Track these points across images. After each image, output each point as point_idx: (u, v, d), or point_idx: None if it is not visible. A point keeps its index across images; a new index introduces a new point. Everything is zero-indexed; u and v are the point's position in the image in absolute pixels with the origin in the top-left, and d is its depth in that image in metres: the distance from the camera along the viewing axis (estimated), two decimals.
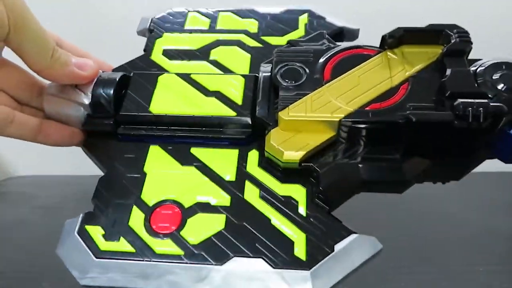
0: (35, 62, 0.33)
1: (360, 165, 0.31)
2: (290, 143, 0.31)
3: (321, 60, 0.35)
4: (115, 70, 0.39)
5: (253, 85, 0.36)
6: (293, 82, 0.33)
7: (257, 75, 0.36)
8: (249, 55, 0.40)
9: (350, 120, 0.31)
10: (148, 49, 0.41)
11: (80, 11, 0.73)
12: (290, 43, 0.38)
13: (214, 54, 0.40)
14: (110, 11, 0.77)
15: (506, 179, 0.64)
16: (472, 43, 0.32)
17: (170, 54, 0.40)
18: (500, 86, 0.30)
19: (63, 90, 0.36)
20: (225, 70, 0.39)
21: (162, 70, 0.39)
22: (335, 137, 0.31)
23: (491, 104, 0.29)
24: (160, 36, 0.42)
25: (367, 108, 0.31)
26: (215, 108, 0.35)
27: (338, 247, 0.29)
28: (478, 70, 0.31)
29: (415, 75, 0.33)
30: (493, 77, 0.31)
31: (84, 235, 0.30)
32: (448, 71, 0.31)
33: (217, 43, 0.41)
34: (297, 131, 0.32)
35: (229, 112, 0.34)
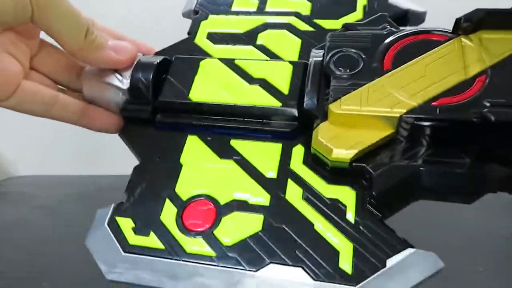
0: (68, 42, 0.32)
1: (421, 168, 0.27)
2: (340, 140, 0.27)
3: (381, 46, 0.30)
4: (157, 53, 0.38)
5: (301, 73, 0.32)
6: (348, 70, 0.30)
7: (306, 62, 0.33)
8: (299, 40, 0.36)
9: (413, 116, 0.26)
10: (192, 32, 0.39)
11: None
12: (346, 27, 0.34)
13: (261, 39, 0.37)
14: (109, 11, 0.77)
15: None
16: None
17: (214, 38, 0.38)
18: None
19: (102, 73, 0.34)
20: (272, 56, 0.35)
21: (206, 55, 0.36)
22: (393, 135, 0.27)
23: None
24: (205, 18, 0.40)
25: (434, 103, 0.27)
26: (258, 97, 0.32)
27: (390, 262, 0.25)
28: None
29: (495, 66, 0.28)
30: None
31: (114, 226, 0.29)
32: None
33: (265, 26, 0.38)
34: (349, 126, 0.28)
35: (273, 102, 0.31)
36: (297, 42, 0.36)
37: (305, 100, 0.30)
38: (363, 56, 0.30)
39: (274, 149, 0.31)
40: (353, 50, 0.30)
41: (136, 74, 0.33)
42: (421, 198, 0.28)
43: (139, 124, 0.34)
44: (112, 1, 0.76)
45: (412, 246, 0.25)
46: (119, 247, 0.28)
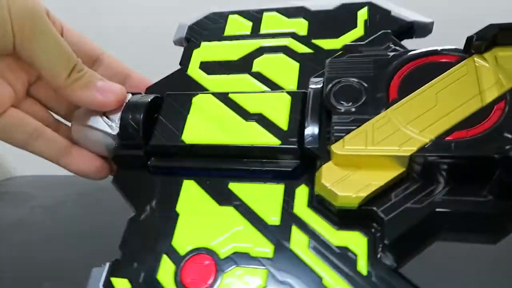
0: (51, 77, 0.30)
1: (438, 210, 0.24)
2: (346, 183, 0.25)
3: (385, 73, 0.27)
4: (149, 88, 0.36)
5: (300, 105, 0.30)
6: (350, 103, 0.27)
7: (305, 91, 0.30)
8: (297, 64, 0.33)
9: (425, 155, 0.24)
10: (185, 62, 0.36)
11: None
12: (346, 48, 0.31)
13: (257, 65, 0.34)
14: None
15: None
16: None
17: (208, 67, 0.35)
18: None
19: (91, 117, 0.33)
20: (269, 84, 0.33)
21: (199, 86, 0.34)
22: (404, 174, 0.25)
23: None
24: (198, 46, 0.37)
25: (448, 138, 0.24)
26: (256, 136, 0.29)
27: None
28: None
29: None
30: None
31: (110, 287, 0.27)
32: None
33: (261, 51, 0.35)
34: (355, 167, 0.25)
35: (272, 140, 0.29)
36: (295, 66, 0.34)
37: (305, 138, 0.28)
38: (366, 86, 0.27)
39: (276, 191, 0.28)
40: (355, 79, 0.28)
41: (125, 117, 0.32)
42: (439, 240, 0.25)
43: (131, 170, 0.32)
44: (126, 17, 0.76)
45: None
46: None
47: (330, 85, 0.28)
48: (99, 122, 0.32)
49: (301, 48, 0.35)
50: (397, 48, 0.30)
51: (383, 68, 0.28)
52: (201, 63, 0.36)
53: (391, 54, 0.29)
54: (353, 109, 0.27)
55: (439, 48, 0.28)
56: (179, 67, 0.37)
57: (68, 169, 0.34)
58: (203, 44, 0.37)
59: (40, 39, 0.29)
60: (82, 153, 0.34)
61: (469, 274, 0.50)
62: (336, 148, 0.25)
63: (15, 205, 0.69)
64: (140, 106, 0.32)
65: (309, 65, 0.33)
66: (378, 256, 0.24)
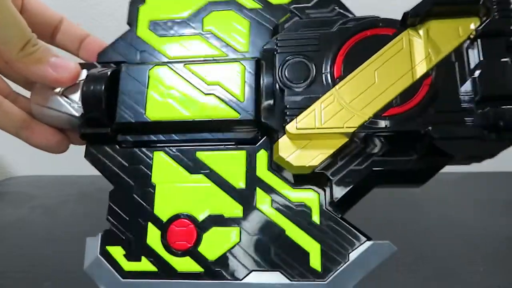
0: (2, 49, 0.30)
1: (374, 169, 0.29)
2: (300, 155, 0.29)
3: (330, 50, 0.30)
4: (101, 54, 0.36)
5: (255, 73, 0.32)
6: (301, 82, 0.30)
7: (258, 58, 0.32)
8: (247, 22, 0.35)
9: (364, 131, 0.28)
10: (133, 22, 0.36)
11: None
12: (294, 12, 0.33)
13: (208, 23, 0.35)
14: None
15: (503, 178, 0.63)
16: (510, 18, 0.27)
17: (157, 28, 0.35)
18: None
19: (50, 97, 0.33)
20: (222, 46, 0.34)
21: (152, 50, 0.35)
22: (349, 142, 0.29)
23: None
24: (143, 1, 0.36)
25: (385, 114, 0.28)
26: (215, 110, 0.32)
27: (353, 255, 0.29)
28: None
29: (440, 64, 0.28)
30: None
31: (107, 256, 0.31)
32: (480, 63, 0.27)
33: (209, 8, 0.35)
34: (308, 139, 0.29)
35: (230, 113, 0.32)
36: (245, 24, 0.35)
37: (261, 114, 0.31)
38: (314, 63, 0.30)
39: (239, 157, 0.32)
40: (304, 57, 0.30)
41: (87, 95, 0.33)
42: (374, 188, 0.31)
43: (101, 144, 0.34)
44: None
45: (369, 239, 0.29)
46: (117, 275, 0.31)
47: (280, 64, 0.31)
48: (60, 104, 0.33)
49: (250, 3, 0.35)
50: (341, 11, 0.33)
51: (328, 44, 0.30)
52: (150, 22, 0.36)
53: (336, 27, 0.31)
54: (303, 88, 0.30)
55: (378, 18, 0.30)
56: None
57: (28, 143, 0.34)
58: (150, 0, 0.37)
59: None
60: (43, 128, 0.34)
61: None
62: (289, 128, 0.29)
63: (15, 205, 0.69)
64: (100, 81, 0.33)
65: (259, 22, 0.34)
66: (328, 208, 0.30)
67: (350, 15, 0.32)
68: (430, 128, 0.27)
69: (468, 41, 0.28)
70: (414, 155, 0.29)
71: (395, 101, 0.28)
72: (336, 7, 0.33)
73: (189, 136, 0.33)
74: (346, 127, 0.28)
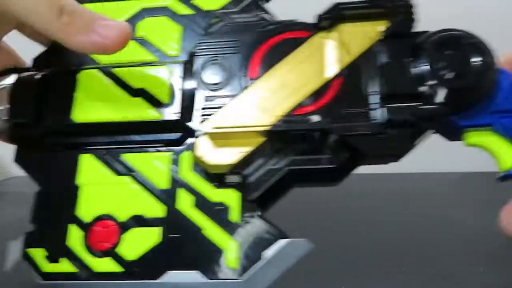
0: (41, 23, 0.28)
1: (291, 168, 0.30)
2: (217, 154, 0.30)
3: (247, 53, 0.31)
4: (35, 59, 0.36)
5: (180, 77, 0.33)
6: (217, 83, 0.31)
7: (184, 63, 0.33)
8: (180, 27, 0.35)
9: (275, 130, 0.29)
10: None
11: None
12: (220, 16, 0.34)
13: (141, 29, 0.36)
14: None
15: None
16: (413, 21, 0.29)
17: None
18: (446, 75, 0.28)
19: None
20: (154, 50, 0.35)
21: (85, 56, 0.35)
22: (266, 141, 0.30)
23: (424, 108, 0.27)
24: None
25: (295, 113, 0.29)
26: (141, 111, 0.33)
27: (269, 254, 0.29)
28: (420, 58, 0.29)
29: (351, 65, 0.30)
30: (437, 63, 0.28)
31: (28, 258, 0.31)
32: (385, 63, 0.29)
33: (143, 14, 0.36)
34: (225, 139, 0.30)
35: (155, 115, 0.32)
36: (178, 29, 0.35)
37: (182, 114, 0.32)
38: (232, 65, 0.31)
39: (165, 158, 0.33)
40: (221, 59, 0.32)
41: (15, 100, 0.33)
42: (293, 188, 0.32)
43: (29, 147, 0.34)
44: None
45: (286, 236, 0.30)
46: (38, 276, 0.31)
47: (198, 64, 0.32)
48: None
49: (183, 10, 0.36)
50: (264, 16, 0.34)
51: (246, 46, 0.32)
52: None
53: (257, 30, 0.32)
54: (220, 89, 0.31)
55: (294, 21, 0.32)
56: None
57: None
58: (84, 5, 0.36)
59: None
60: None
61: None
62: (204, 127, 0.30)
63: (15, 205, 0.67)
64: (28, 85, 0.33)
65: (191, 27, 0.35)
66: (246, 207, 0.30)
67: (271, 20, 0.34)
68: (333, 125, 0.28)
69: (377, 43, 0.30)
70: (329, 154, 0.30)
71: (306, 100, 0.29)
72: (260, 13, 0.34)
73: (116, 138, 0.33)
74: (259, 126, 0.29)
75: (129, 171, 0.33)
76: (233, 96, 0.31)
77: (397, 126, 0.28)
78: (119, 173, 0.33)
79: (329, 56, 0.30)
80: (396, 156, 0.29)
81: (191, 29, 0.35)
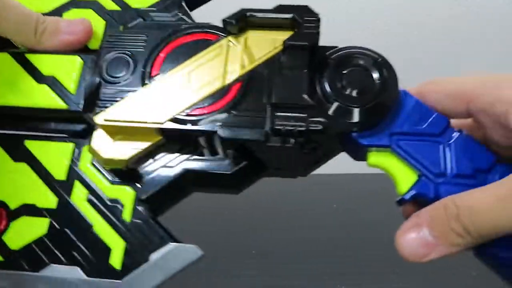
0: (21, 42, 0.32)
1: (188, 169, 0.29)
2: (112, 148, 0.29)
3: (153, 49, 0.31)
4: None
5: (89, 68, 0.32)
6: (118, 76, 0.30)
7: (94, 57, 0.32)
8: (104, 22, 0.35)
9: (167, 128, 0.28)
10: None
11: None
12: (140, 15, 0.34)
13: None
14: None
15: None
16: (318, 34, 0.29)
17: None
18: (346, 90, 0.28)
19: None
20: None
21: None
22: (162, 141, 0.29)
23: (311, 120, 0.26)
24: None
25: (189, 114, 0.28)
26: (45, 99, 0.32)
27: (153, 256, 0.28)
28: (320, 72, 0.28)
29: (251, 72, 0.29)
30: (339, 79, 0.28)
31: None
32: (282, 73, 0.28)
33: (70, 6, 0.36)
34: (120, 134, 0.29)
35: (59, 104, 0.31)
36: (101, 23, 0.35)
37: (84, 105, 0.31)
38: (136, 60, 0.30)
39: (66, 149, 0.32)
40: (128, 53, 0.31)
41: None
42: (192, 192, 0.31)
43: None
44: None
45: (176, 241, 0.28)
46: None
47: (103, 57, 0.31)
48: None
49: (111, 5, 0.36)
50: (184, 17, 0.33)
51: (153, 43, 0.31)
52: None
53: (168, 29, 0.32)
54: (119, 82, 0.30)
55: (205, 24, 0.31)
56: None
57: None
58: None
59: (5, 9, 0.30)
60: None
61: None
62: (98, 118, 0.29)
63: None
64: None
65: (114, 23, 0.35)
66: (140, 207, 0.29)
67: (189, 21, 0.33)
68: (220, 129, 0.27)
69: (280, 53, 0.29)
70: (227, 159, 0.29)
71: (203, 102, 0.29)
72: (179, 13, 0.34)
73: (21, 124, 0.32)
74: (152, 123, 0.28)
75: (28, 159, 0.32)
76: (131, 90, 0.30)
77: (282, 135, 0.27)
78: (17, 159, 0.32)
79: (232, 60, 0.30)
80: (295, 170, 0.29)
81: (114, 25, 0.34)
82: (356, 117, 0.27)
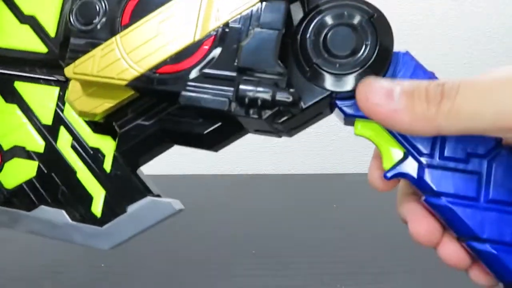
0: None
1: (162, 127, 0.28)
2: (85, 100, 0.28)
3: None
4: None
5: (70, 11, 0.29)
6: (87, 25, 0.28)
7: None
8: None
9: (134, 85, 0.27)
10: None
11: None
12: None
13: None
14: None
15: None
16: None
17: None
18: (325, 51, 0.24)
19: None
20: None
21: None
22: (135, 95, 0.28)
23: (278, 94, 0.24)
24: None
25: (158, 71, 0.26)
26: (26, 40, 0.31)
27: (131, 208, 0.29)
28: (304, 25, 0.25)
29: (226, 25, 0.26)
30: (321, 34, 0.25)
31: None
32: (253, 31, 0.25)
33: None
34: (94, 86, 0.28)
35: (39, 47, 0.30)
36: None
37: (59, 51, 0.30)
38: (106, 7, 0.28)
39: (52, 93, 0.31)
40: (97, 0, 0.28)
41: None
42: (168, 148, 0.30)
43: None
44: None
45: (154, 195, 0.29)
46: None
47: (73, 5, 0.28)
48: None
49: None
50: None
51: None
52: None
53: None
54: (88, 31, 0.28)
55: None
56: None
57: None
58: None
59: None
60: None
61: None
62: (67, 71, 0.28)
63: None
64: None
65: None
66: (120, 159, 0.30)
67: None
68: (183, 92, 0.25)
69: (259, 4, 0.25)
70: (200, 118, 0.28)
71: (171, 59, 0.26)
72: None
73: (11, 65, 0.32)
74: (118, 79, 0.27)
75: (18, 101, 0.32)
76: (100, 41, 0.27)
77: (246, 105, 0.24)
78: (8, 101, 0.32)
79: (206, 11, 0.26)
80: (279, 131, 0.27)
81: None
82: (329, 85, 0.24)
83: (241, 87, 0.24)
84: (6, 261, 0.56)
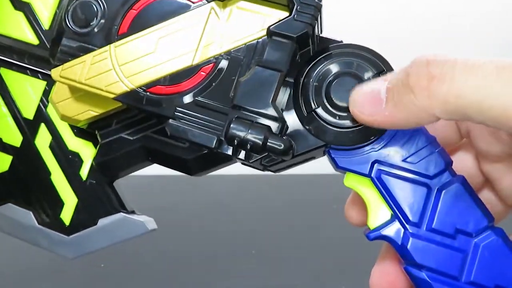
0: None
1: (145, 145, 0.27)
2: (70, 105, 0.27)
3: (125, 4, 0.26)
4: None
5: (67, 6, 0.28)
6: (82, 27, 0.26)
7: None
8: None
9: (121, 100, 0.25)
10: None
11: None
12: None
13: None
14: None
15: None
16: (311, 25, 0.23)
17: None
18: (326, 100, 0.23)
19: None
20: None
21: None
22: (121, 107, 0.27)
23: (269, 139, 0.22)
24: None
25: (149, 90, 0.25)
26: (18, 28, 0.29)
27: (102, 222, 0.28)
28: (309, 68, 0.24)
29: (228, 54, 0.24)
30: (325, 81, 0.23)
31: None
32: (254, 67, 0.23)
33: None
34: (80, 91, 0.26)
35: (30, 38, 0.29)
36: None
37: (51, 46, 0.28)
38: (105, 11, 0.26)
39: (38, 87, 0.30)
40: (99, 2, 0.26)
41: None
42: (148, 165, 0.29)
43: None
44: None
45: (128, 212, 0.28)
46: None
47: (69, 4, 0.26)
48: None
49: None
50: None
51: None
52: None
53: None
54: (83, 35, 0.26)
55: None
56: None
57: None
58: None
59: None
60: None
61: None
62: (54, 73, 0.26)
63: None
64: None
65: None
66: (97, 168, 0.29)
67: None
68: (171, 120, 0.24)
69: (265, 38, 0.24)
70: (185, 142, 0.26)
71: (165, 79, 0.25)
72: None
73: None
74: (106, 91, 0.25)
75: (1, 88, 0.30)
76: (94, 47, 0.26)
77: (235, 146, 0.23)
78: None
79: (209, 35, 0.25)
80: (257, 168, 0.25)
81: None
82: (327, 136, 0.23)
83: (233, 126, 0.23)
84: (5, 261, 0.56)
